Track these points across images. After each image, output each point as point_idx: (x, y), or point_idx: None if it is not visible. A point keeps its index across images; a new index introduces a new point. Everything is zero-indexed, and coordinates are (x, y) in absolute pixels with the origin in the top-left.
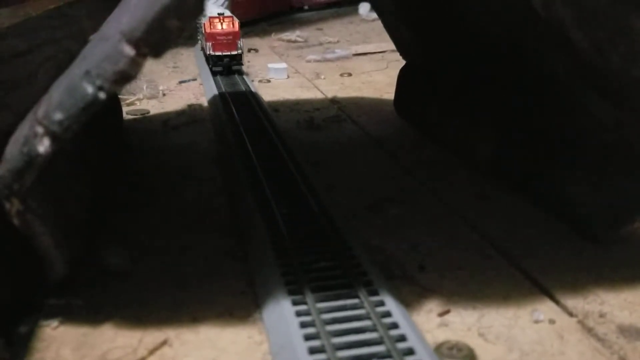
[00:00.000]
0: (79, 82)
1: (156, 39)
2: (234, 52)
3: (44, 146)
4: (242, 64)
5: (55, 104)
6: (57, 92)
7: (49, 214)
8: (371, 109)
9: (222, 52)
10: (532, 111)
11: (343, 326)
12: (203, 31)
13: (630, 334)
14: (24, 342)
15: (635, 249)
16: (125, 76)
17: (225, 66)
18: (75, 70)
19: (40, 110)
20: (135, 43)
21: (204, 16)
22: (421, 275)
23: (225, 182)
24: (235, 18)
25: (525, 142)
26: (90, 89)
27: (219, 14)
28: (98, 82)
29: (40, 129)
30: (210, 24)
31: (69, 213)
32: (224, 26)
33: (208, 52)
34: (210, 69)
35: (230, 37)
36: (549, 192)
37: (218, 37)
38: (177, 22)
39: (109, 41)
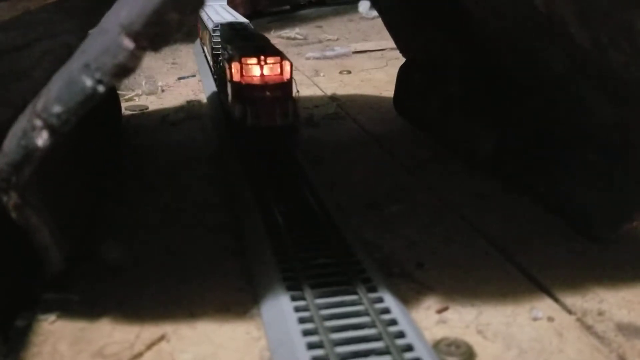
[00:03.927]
0: (78, 75)
1: (155, 33)
2: (285, 123)
3: (42, 139)
4: (297, 145)
5: (54, 97)
6: (56, 85)
7: (46, 208)
8: (370, 106)
9: (262, 122)
10: (533, 109)
11: (342, 322)
12: (228, 77)
13: (629, 332)
14: (21, 336)
15: (634, 248)
16: (125, 69)
17: (270, 150)
18: (75, 63)
19: (39, 103)
20: (134, 36)
21: (223, 44)
22: (419, 273)
23: (223, 179)
24: (284, 56)
25: (525, 140)
26: (89, 82)
27: (233, 25)
28: (97, 76)
29: (38, 122)
30: (241, 68)
31: (66, 207)
32: (266, 71)
33: (238, 115)
34: (236, 149)
35: (279, 94)
36: (549, 190)
37: (257, 94)
38: (176, 16)
39: (108, 34)
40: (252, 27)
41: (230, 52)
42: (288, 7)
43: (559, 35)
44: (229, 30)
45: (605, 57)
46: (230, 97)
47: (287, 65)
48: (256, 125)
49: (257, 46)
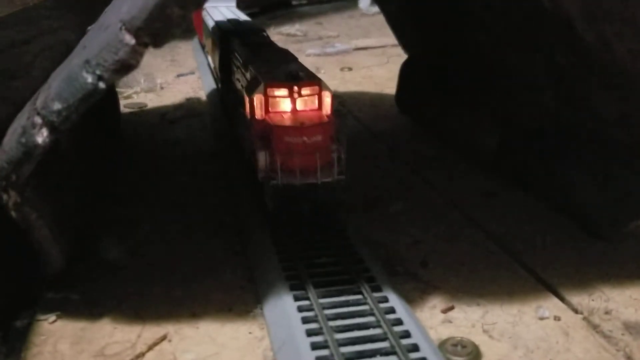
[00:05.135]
0: (79, 71)
1: (157, 28)
2: (328, 178)
3: (42, 137)
4: (341, 204)
5: (54, 94)
6: (56, 82)
7: (46, 206)
8: (372, 103)
9: (297, 178)
10: (536, 106)
11: (346, 322)
12: (247, 112)
13: (636, 331)
14: (21, 336)
15: None
16: (126, 65)
17: (307, 215)
18: (75, 59)
19: (39, 100)
20: (135, 32)
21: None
22: (424, 272)
23: (224, 177)
24: (323, 83)
25: (529, 137)
26: (89, 79)
27: (247, 34)
28: (98, 72)
29: (38, 119)
30: (266, 102)
31: (66, 206)
32: (300, 106)
33: (262, 167)
34: (269, 219)
35: (319, 137)
36: (554, 188)
37: (288, 139)
38: (178, 10)
39: (109, 30)
40: (268, 35)
41: (248, 76)
42: (257, 9)
43: (564, 30)
44: (243, 41)
45: (610, 52)
46: (250, 141)
47: (327, 97)
48: (288, 183)
49: (286, 69)
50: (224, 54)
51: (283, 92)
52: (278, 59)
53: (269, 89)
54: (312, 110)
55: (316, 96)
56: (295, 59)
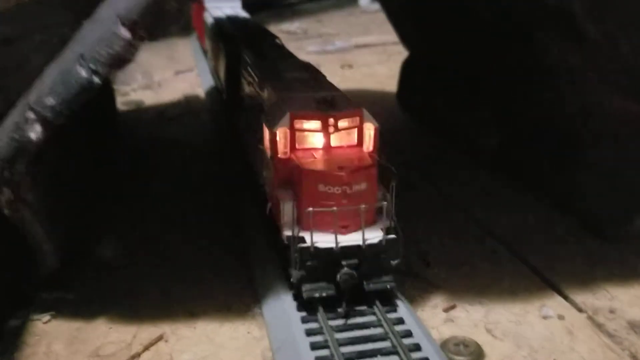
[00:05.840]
0: (73, 66)
1: (153, 22)
2: (375, 239)
3: (35, 132)
4: (392, 283)
5: (48, 89)
6: (50, 77)
7: (40, 204)
8: (373, 101)
9: (335, 236)
10: (539, 104)
11: (346, 321)
12: (266, 149)
13: None
14: (15, 336)
15: None
16: (121, 60)
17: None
18: (69, 54)
19: (32, 95)
20: (131, 25)
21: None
22: (426, 271)
23: (223, 175)
24: (365, 112)
25: (531, 136)
26: (84, 73)
27: (257, 41)
28: (92, 66)
29: (31, 115)
30: (291, 136)
31: (62, 205)
32: (335, 141)
33: (286, 224)
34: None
35: (363, 185)
36: (557, 187)
37: (322, 188)
38: (174, 4)
39: (104, 24)
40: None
41: (266, 97)
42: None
43: (567, 28)
44: (256, 52)
45: (614, 48)
46: (268, 186)
47: (369, 129)
48: (323, 247)
49: (316, 92)
50: (232, 65)
51: (314, 124)
52: (303, 77)
53: (296, 121)
54: (350, 146)
55: (355, 129)
56: (323, 76)
